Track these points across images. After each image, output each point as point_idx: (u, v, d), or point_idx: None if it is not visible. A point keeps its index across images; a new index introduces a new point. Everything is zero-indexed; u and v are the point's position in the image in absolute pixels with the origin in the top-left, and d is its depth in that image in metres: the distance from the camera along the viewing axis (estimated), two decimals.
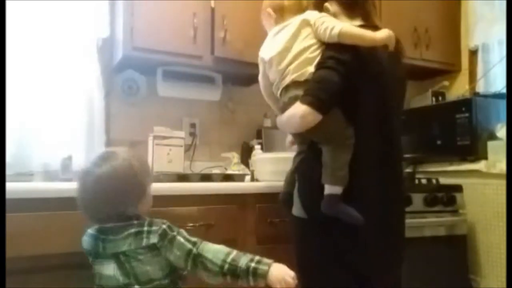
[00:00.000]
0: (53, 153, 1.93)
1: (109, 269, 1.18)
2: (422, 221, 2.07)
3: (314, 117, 1.24)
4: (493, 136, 2.22)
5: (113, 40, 2.12)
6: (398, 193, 1.43)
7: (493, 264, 2.16)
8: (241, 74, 2.28)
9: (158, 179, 1.69)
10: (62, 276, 1.42)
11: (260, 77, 1.55)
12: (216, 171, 2.23)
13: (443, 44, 2.75)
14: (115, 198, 1.17)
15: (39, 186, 1.58)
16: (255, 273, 1.14)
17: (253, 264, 1.15)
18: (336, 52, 1.27)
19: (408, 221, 2.01)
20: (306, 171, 1.39)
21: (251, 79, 2.27)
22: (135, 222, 1.19)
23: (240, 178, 1.95)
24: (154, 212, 1.30)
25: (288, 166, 1.55)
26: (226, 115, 2.49)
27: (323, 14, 1.37)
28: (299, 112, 1.26)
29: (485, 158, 2.19)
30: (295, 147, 1.52)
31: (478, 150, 2.23)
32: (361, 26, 1.34)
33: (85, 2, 2.06)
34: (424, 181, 2.29)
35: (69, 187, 1.54)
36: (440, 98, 2.76)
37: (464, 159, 2.31)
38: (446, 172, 2.37)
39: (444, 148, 2.40)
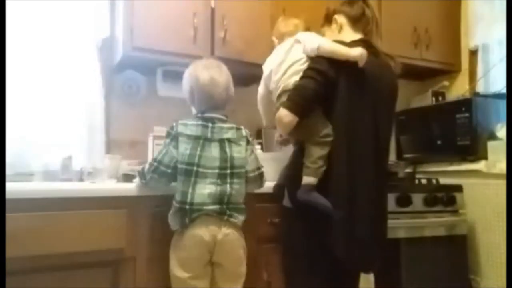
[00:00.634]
0: (53, 153, 1.93)
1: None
2: (422, 221, 2.08)
3: (292, 118, 1.46)
4: (493, 136, 2.22)
5: (113, 40, 2.12)
6: (381, 182, 1.57)
7: (493, 264, 2.16)
8: (241, 74, 2.27)
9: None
10: (62, 276, 1.42)
11: (259, 88, 1.76)
12: None
13: (443, 44, 2.76)
14: None
15: (39, 186, 1.58)
16: None
17: None
18: (316, 64, 1.48)
19: (408, 221, 2.04)
20: (293, 165, 1.59)
21: (251, 79, 2.27)
22: None
23: None
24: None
25: None
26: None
27: (312, 33, 1.60)
28: (279, 115, 1.49)
29: (485, 158, 2.19)
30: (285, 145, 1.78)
31: (478, 150, 2.23)
32: (360, 40, 1.56)
33: (85, 2, 2.06)
34: (424, 181, 2.29)
35: (69, 187, 1.55)
36: (440, 98, 2.76)
37: (464, 159, 2.31)
38: (446, 172, 2.37)
39: (444, 148, 2.40)
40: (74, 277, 1.44)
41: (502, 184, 2.07)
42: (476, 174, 2.22)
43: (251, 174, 1.58)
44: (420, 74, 2.87)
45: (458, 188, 2.23)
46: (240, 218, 1.50)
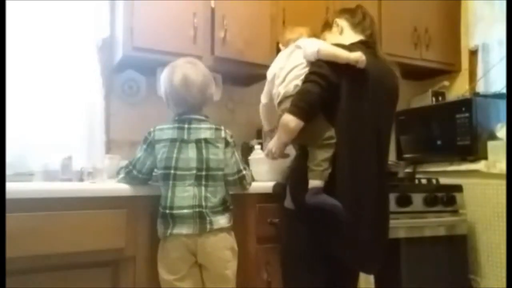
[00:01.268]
0: (53, 153, 1.93)
1: None
2: (422, 221, 2.07)
3: (297, 123, 1.45)
4: (493, 136, 2.22)
5: (113, 40, 2.12)
6: (382, 186, 1.57)
7: (493, 264, 2.16)
8: (241, 74, 2.28)
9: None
10: (62, 276, 1.42)
11: (262, 95, 1.78)
12: None
13: (443, 44, 2.76)
14: None
15: (39, 186, 1.57)
16: None
17: None
18: (318, 68, 1.48)
19: (408, 221, 2.04)
20: (296, 168, 1.58)
21: (251, 79, 2.27)
22: None
23: None
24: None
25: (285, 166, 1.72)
26: (226, 115, 2.48)
27: (312, 39, 1.62)
28: (284, 121, 1.48)
29: (485, 158, 2.19)
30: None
31: (478, 150, 2.23)
32: (359, 41, 1.59)
33: (85, 2, 2.06)
34: (424, 181, 2.29)
35: (69, 187, 1.55)
36: (440, 98, 2.76)
37: (464, 159, 2.31)
38: (446, 172, 2.37)
39: (444, 148, 2.40)
40: (74, 277, 1.44)
41: (502, 184, 2.07)
42: (476, 174, 2.22)
43: (230, 178, 1.56)
44: (420, 74, 2.87)
45: (458, 188, 2.23)
46: (221, 221, 1.48)
